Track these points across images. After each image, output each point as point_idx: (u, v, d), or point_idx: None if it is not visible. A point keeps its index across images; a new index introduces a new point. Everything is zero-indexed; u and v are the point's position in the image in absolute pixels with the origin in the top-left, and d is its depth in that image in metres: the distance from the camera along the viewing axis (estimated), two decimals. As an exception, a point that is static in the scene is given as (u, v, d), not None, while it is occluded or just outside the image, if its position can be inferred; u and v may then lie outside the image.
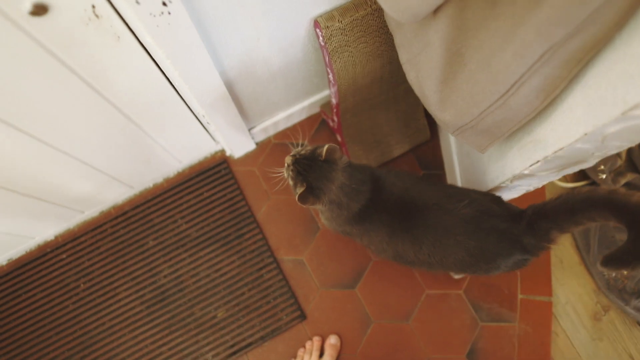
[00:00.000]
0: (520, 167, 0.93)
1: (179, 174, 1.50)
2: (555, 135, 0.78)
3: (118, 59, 0.85)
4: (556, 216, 0.90)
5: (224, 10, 0.85)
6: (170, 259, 1.44)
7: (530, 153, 0.88)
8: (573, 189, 0.89)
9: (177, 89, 1.03)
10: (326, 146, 0.91)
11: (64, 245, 1.46)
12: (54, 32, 0.72)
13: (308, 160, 0.92)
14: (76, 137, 1.03)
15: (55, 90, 0.85)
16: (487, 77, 0.72)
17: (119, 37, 0.79)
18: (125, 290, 1.43)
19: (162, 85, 0.98)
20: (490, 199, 1.03)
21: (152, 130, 1.16)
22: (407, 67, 0.95)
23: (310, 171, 0.91)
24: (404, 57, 0.94)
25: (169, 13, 0.75)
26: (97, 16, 0.73)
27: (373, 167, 1.05)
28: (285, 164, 0.96)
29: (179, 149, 1.36)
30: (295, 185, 0.94)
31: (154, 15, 0.74)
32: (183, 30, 0.80)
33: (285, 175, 0.98)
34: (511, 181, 1.00)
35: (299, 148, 0.97)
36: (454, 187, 1.08)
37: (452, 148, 1.32)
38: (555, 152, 0.79)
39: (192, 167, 1.51)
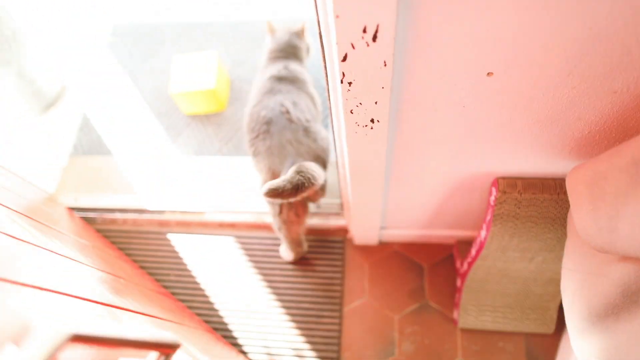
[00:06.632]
0: None
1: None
2: None
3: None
4: None
5: (420, 143, 0.89)
6: (251, 298, 1.49)
7: None
8: None
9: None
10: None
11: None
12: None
13: None
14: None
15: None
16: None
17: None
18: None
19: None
20: None
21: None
22: (566, 274, 0.87)
23: None
24: (568, 264, 0.86)
25: (372, 128, 0.80)
26: None
27: None
28: None
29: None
30: None
31: (359, 125, 0.80)
32: (377, 141, 0.85)
33: None
34: None
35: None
36: None
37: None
38: None
39: (313, 227, 1.55)
